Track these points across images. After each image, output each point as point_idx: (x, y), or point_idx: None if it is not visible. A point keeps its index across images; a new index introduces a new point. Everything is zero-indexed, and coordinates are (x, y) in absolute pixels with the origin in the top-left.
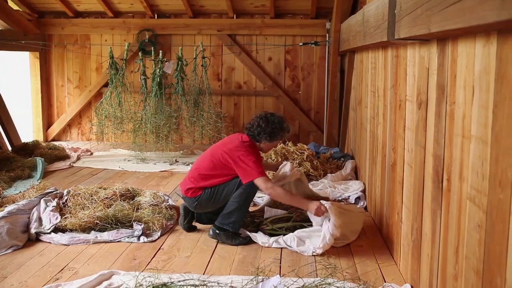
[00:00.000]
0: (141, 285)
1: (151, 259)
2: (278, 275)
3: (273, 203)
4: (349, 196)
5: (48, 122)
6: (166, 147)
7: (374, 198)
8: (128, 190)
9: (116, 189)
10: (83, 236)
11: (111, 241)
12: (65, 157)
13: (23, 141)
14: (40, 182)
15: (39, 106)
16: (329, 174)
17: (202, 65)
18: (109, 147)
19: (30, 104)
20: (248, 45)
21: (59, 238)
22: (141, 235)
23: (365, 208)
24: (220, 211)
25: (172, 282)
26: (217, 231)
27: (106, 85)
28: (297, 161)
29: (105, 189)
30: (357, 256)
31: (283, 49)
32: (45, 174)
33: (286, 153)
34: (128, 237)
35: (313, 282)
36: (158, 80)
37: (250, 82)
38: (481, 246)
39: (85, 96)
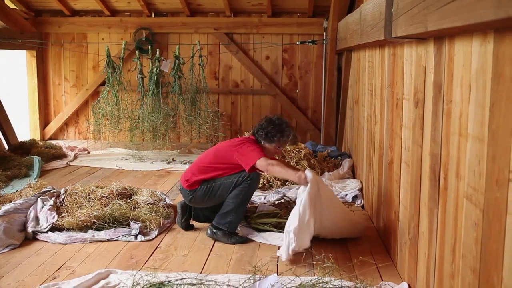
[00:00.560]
0: (138, 284)
1: (149, 258)
2: (276, 274)
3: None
4: (346, 195)
5: (45, 120)
6: (163, 145)
7: (371, 196)
8: (125, 189)
9: (113, 188)
10: (80, 235)
11: (108, 240)
12: (62, 156)
13: (20, 140)
14: (37, 181)
15: (36, 105)
16: (326, 173)
17: (199, 64)
18: (106, 146)
19: (27, 103)
20: (245, 43)
21: (56, 237)
22: (138, 234)
23: (362, 207)
24: (218, 209)
25: (169, 281)
26: (214, 230)
27: (103, 83)
28: (295, 160)
29: (102, 188)
30: (354, 254)
31: (280, 48)
32: (42, 173)
33: (284, 152)
34: (125, 236)
35: (310, 280)
36: (155, 78)
37: (247, 80)
38: (478, 244)
39: (82, 95)
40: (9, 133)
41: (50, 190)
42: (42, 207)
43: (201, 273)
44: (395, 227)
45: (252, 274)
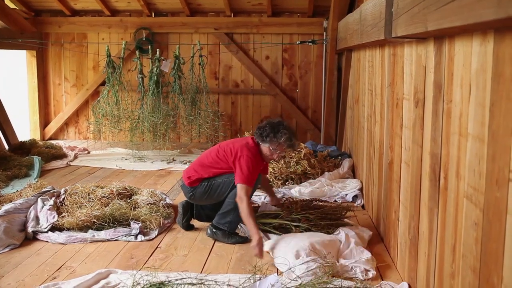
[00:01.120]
0: (138, 283)
1: (149, 258)
2: (276, 274)
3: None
4: (346, 194)
5: (45, 120)
6: (164, 145)
7: (371, 196)
8: (126, 188)
9: (114, 187)
10: (80, 235)
11: (108, 240)
12: (62, 155)
13: (20, 139)
14: (37, 181)
15: (36, 105)
16: (326, 173)
17: (199, 64)
18: (106, 145)
19: (27, 102)
20: (245, 43)
21: (56, 237)
22: (139, 233)
23: (363, 207)
24: (219, 208)
25: (169, 281)
26: (214, 230)
27: (103, 83)
28: (295, 160)
29: (102, 187)
30: None
31: (281, 48)
32: (42, 173)
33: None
34: (125, 236)
35: (311, 280)
36: (155, 78)
37: (247, 80)
38: (478, 244)
39: (82, 95)
40: (9, 133)
41: (50, 190)
42: (42, 207)
43: (201, 273)
44: (395, 226)
45: (252, 274)
